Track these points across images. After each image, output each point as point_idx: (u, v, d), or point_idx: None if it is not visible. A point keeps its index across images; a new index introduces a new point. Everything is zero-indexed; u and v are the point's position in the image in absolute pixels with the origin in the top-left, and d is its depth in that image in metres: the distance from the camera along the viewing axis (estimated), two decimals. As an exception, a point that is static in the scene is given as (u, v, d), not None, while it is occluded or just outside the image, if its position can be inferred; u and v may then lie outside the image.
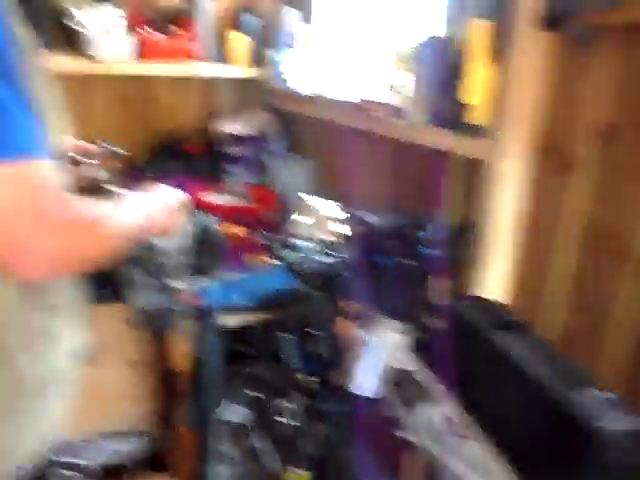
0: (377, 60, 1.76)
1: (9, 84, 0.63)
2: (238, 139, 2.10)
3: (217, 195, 1.92)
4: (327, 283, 0.96)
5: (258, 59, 2.16)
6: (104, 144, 1.26)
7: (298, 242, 1.04)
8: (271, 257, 1.07)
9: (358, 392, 1.11)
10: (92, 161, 1.22)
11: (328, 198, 1.89)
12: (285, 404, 1.32)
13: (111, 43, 1.85)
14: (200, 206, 1.79)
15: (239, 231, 1.58)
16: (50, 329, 0.81)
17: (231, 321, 1.35)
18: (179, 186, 1.91)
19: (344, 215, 1.20)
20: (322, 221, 1.15)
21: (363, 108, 1.59)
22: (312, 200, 1.22)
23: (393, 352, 1.05)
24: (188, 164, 2.10)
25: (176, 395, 1.61)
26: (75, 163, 1.22)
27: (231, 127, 2.11)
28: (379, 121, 1.53)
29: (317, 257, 0.95)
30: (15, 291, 0.75)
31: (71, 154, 1.19)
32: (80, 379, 0.90)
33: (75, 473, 1.81)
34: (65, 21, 1.81)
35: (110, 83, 2.08)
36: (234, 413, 1.56)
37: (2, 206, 0.64)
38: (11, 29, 0.65)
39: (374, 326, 1.07)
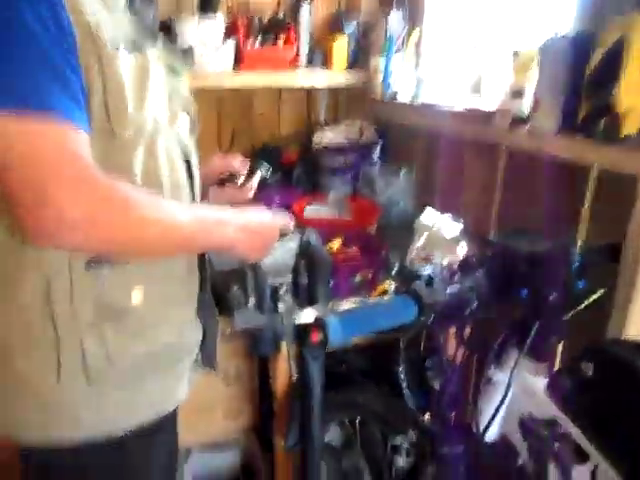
0: (494, 63, 1.62)
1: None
2: (338, 149, 2.02)
3: (317, 208, 1.85)
4: (455, 315, 0.85)
5: (359, 65, 2.07)
6: (258, 165, 1.20)
7: (422, 267, 0.93)
8: (391, 283, 0.97)
9: (482, 435, 0.99)
10: (237, 180, 1.17)
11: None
12: (397, 439, 1.23)
13: (210, 54, 1.83)
14: (300, 220, 1.74)
15: (343, 249, 1.50)
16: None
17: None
18: (278, 196, 1.89)
19: (465, 235, 1.09)
20: (442, 242, 1.04)
21: (477, 116, 1.46)
22: (430, 217, 1.11)
23: (528, 396, 0.92)
24: (285, 176, 2.05)
25: (273, 414, 1.57)
26: (222, 182, 1.18)
27: (330, 137, 2.04)
28: (496, 130, 1.40)
29: (444, 286, 0.84)
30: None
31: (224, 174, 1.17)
32: (195, 326, 0.98)
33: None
34: (167, 32, 1.81)
35: (206, 94, 2.06)
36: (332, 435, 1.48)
37: (30, 154, 0.66)
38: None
39: (507, 364, 0.94)
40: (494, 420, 0.96)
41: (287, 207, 1.84)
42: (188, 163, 0.96)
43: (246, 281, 1.25)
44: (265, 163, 1.20)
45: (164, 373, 0.93)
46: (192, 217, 0.83)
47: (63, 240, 0.70)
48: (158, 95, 0.87)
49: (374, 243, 1.53)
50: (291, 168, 2.07)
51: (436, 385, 1.06)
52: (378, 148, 2.05)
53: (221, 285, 1.34)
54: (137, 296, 0.84)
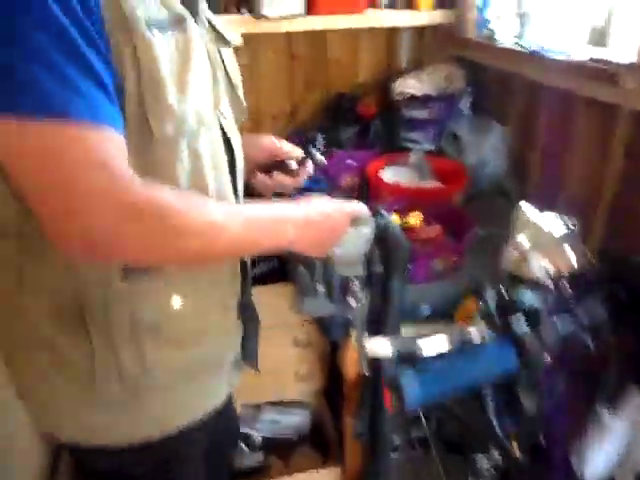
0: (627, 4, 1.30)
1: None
2: (421, 100, 1.78)
3: (395, 170, 1.66)
4: (564, 361, 0.68)
5: (446, 2, 1.78)
6: (311, 147, 1.04)
7: (521, 287, 0.76)
8: (479, 303, 0.80)
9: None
10: (289, 166, 1.02)
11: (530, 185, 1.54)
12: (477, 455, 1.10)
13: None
14: (375, 186, 1.57)
15: (424, 227, 1.32)
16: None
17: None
18: (351, 156, 1.72)
19: (571, 238, 0.88)
20: (549, 243, 0.84)
21: (598, 71, 1.19)
22: (532, 212, 0.91)
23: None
24: (362, 131, 1.85)
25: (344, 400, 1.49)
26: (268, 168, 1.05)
27: (413, 85, 1.80)
28: (622, 90, 1.13)
29: (553, 322, 0.67)
30: None
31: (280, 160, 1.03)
32: (236, 330, 0.93)
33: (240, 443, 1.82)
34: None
35: (276, 40, 1.87)
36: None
37: (55, 163, 0.59)
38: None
39: (623, 405, 0.77)
40: (601, 463, 0.81)
41: (361, 169, 1.67)
42: (231, 154, 0.85)
43: (314, 269, 1.12)
44: (318, 153, 1.04)
45: (200, 381, 0.88)
46: (243, 219, 0.73)
47: (94, 255, 0.65)
48: (201, 81, 0.74)
49: (460, 220, 1.34)
50: (368, 122, 1.86)
51: (529, 406, 0.91)
52: (468, 99, 1.80)
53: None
54: (177, 304, 0.79)
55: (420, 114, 1.80)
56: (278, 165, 1.04)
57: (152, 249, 0.67)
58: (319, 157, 1.04)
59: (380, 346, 0.71)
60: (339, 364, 1.48)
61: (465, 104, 1.79)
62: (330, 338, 1.29)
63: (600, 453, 0.80)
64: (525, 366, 0.64)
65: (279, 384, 1.77)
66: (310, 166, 1.03)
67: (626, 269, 0.79)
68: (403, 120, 1.83)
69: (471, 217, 1.32)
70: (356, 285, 1.02)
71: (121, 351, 0.76)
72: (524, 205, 0.91)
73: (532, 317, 0.67)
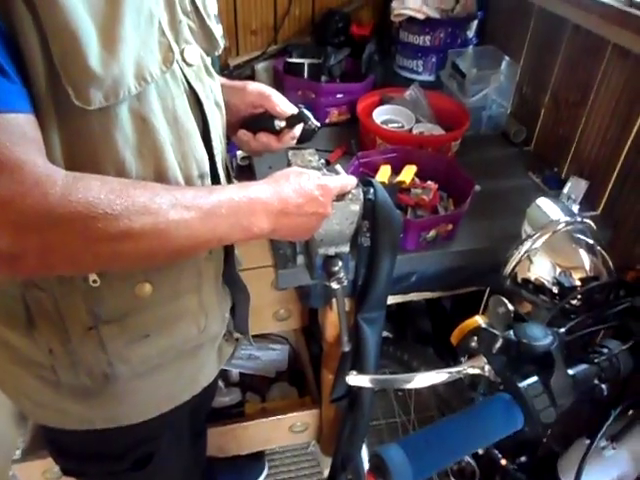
0: None
1: None
2: (422, 23, 1.55)
3: (388, 109, 1.47)
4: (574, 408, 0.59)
5: None
6: (302, 107, 0.88)
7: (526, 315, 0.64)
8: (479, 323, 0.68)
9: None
10: (276, 124, 0.87)
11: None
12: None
13: None
14: (367, 130, 1.40)
15: (417, 185, 1.17)
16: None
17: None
18: (340, 88, 1.52)
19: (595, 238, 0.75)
20: (568, 250, 0.72)
21: (637, 19, 1.00)
22: (549, 207, 0.77)
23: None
24: (354, 54, 1.62)
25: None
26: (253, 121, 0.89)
27: (414, 4, 1.56)
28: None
29: (572, 376, 0.57)
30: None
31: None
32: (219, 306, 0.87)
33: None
34: None
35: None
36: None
37: None
38: None
39: (627, 439, 0.70)
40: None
41: (351, 104, 1.49)
42: (203, 114, 0.71)
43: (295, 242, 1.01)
44: (312, 117, 0.87)
45: (180, 366, 0.83)
46: (202, 211, 0.60)
47: (12, 271, 0.55)
48: (143, 25, 0.58)
49: (457, 176, 1.19)
50: (361, 45, 1.63)
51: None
52: (475, 24, 1.58)
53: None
54: (143, 293, 0.70)
55: (421, 39, 1.58)
56: (264, 121, 0.88)
57: (82, 258, 0.55)
58: (313, 121, 0.88)
59: (360, 381, 0.62)
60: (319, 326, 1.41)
61: (472, 31, 1.57)
62: (309, 306, 1.19)
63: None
64: (531, 424, 0.55)
65: (258, 323, 1.69)
66: (298, 130, 0.88)
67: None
68: (401, 45, 1.61)
69: (469, 175, 1.18)
70: (339, 266, 0.91)
71: (80, 347, 0.70)
72: (541, 202, 0.77)
73: (543, 363, 0.57)
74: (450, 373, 0.60)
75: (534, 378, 0.57)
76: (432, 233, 1.11)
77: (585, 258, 0.74)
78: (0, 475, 1.51)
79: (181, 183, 0.67)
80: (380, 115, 1.45)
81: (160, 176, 0.64)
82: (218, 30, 0.75)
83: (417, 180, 1.21)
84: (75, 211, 0.50)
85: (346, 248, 0.90)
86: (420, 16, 1.54)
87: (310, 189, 0.71)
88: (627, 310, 0.66)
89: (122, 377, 0.76)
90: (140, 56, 0.57)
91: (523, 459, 0.80)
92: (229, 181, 0.87)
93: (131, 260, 0.58)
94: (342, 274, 0.91)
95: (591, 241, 0.74)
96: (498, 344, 0.59)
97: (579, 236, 0.76)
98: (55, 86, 0.53)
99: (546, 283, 0.75)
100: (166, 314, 0.75)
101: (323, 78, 1.55)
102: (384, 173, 1.20)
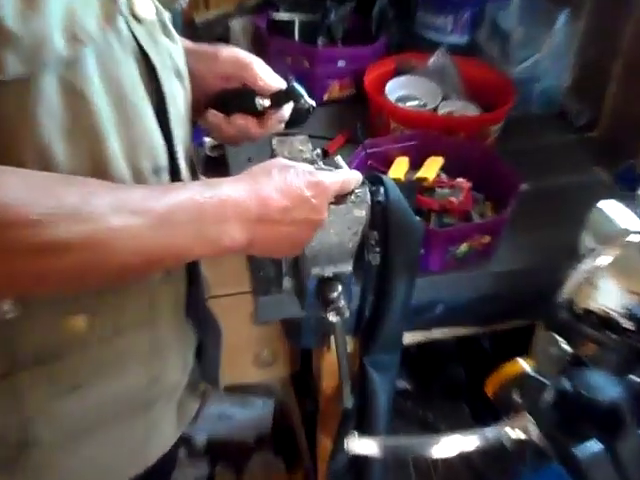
0: None
1: None
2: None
3: (406, 81, 1.50)
4: None
5: None
6: (293, 80, 0.90)
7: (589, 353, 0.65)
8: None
9: None
10: (257, 102, 0.88)
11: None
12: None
13: None
14: (377, 109, 1.42)
15: (444, 183, 1.17)
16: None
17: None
18: (345, 54, 1.55)
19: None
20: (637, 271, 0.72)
21: None
22: (616, 214, 0.78)
23: None
24: (359, 6, 1.67)
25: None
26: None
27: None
28: None
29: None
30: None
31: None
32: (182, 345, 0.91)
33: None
34: None
35: None
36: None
37: None
38: None
39: None
40: None
41: (357, 74, 1.52)
42: (155, 78, 0.71)
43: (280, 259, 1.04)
44: (305, 93, 0.89)
45: (124, 428, 0.84)
46: (154, 216, 0.60)
47: None
48: None
49: (498, 170, 1.21)
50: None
51: None
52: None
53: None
54: (75, 326, 0.71)
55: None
56: (241, 98, 0.89)
57: None
58: (306, 98, 0.89)
59: (366, 447, 0.62)
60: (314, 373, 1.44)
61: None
62: (300, 346, 1.21)
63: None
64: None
65: (233, 370, 1.75)
66: (287, 110, 0.89)
67: None
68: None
69: (513, 170, 1.19)
70: (338, 291, 0.92)
71: None
72: (607, 205, 0.78)
73: (609, 423, 0.57)
74: (483, 436, 0.61)
75: (597, 444, 0.57)
76: (463, 248, 1.13)
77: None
78: None
79: (128, 180, 0.68)
80: (395, 90, 1.49)
81: (99, 169, 0.65)
82: None
83: (443, 176, 1.23)
84: None
85: (348, 267, 0.92)
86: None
87: (299, 188, 0.71)
88: None
89: (42, 445, 0.76)
90: (72, 8, 0.58)
91: None
92: (194, 178, 0.87)
93: (58, 281, 0.59)
94: (342, 302, 0.92)
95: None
96: (548, 397, 0.59)
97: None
98: None
99: (614, 315, 0.76)
100: (105, 357, 0.76)
101: (320, 40, 1.59)
102: (399, 167, 1.23)
